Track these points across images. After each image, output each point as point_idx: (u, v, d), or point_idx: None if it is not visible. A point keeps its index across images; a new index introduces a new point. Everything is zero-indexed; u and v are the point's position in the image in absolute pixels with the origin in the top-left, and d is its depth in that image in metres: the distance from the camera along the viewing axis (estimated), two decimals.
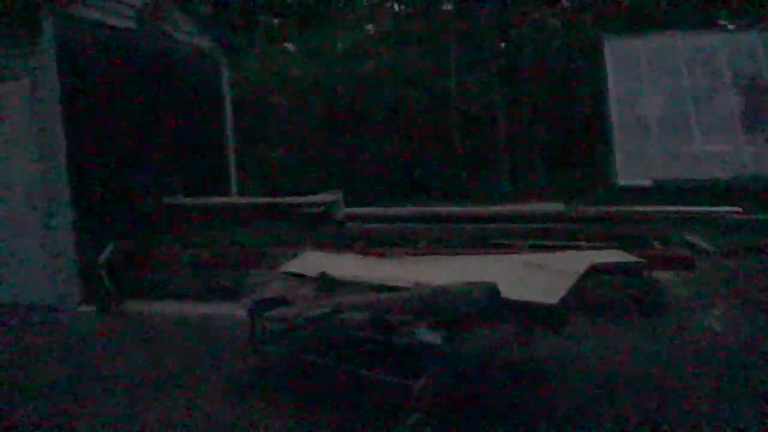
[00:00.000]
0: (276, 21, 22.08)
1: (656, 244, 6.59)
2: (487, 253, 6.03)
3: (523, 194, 14.43)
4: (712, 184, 10.12)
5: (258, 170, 15.57)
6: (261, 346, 4.50)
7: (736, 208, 7.08)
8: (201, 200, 8.22)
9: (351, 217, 7.70)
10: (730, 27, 16.78)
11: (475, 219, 7.42)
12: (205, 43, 9.41)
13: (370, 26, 21.33)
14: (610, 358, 4.80)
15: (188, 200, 8.13)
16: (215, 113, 9.78)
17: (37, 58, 6.70)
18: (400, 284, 4.10)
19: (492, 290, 3.61)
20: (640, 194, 10.34)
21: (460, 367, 4.05)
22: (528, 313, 3.90)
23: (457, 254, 6.32)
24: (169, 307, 6.81)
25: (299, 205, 7.71)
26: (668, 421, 3.72)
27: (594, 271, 4.34)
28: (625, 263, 5.00)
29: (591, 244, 6.40)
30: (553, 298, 3.66)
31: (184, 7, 9.04)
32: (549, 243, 6.65)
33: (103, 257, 7.02)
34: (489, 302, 3.59)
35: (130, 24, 7.95)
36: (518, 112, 17.50)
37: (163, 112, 8.57)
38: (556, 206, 7.70)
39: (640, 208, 7.33)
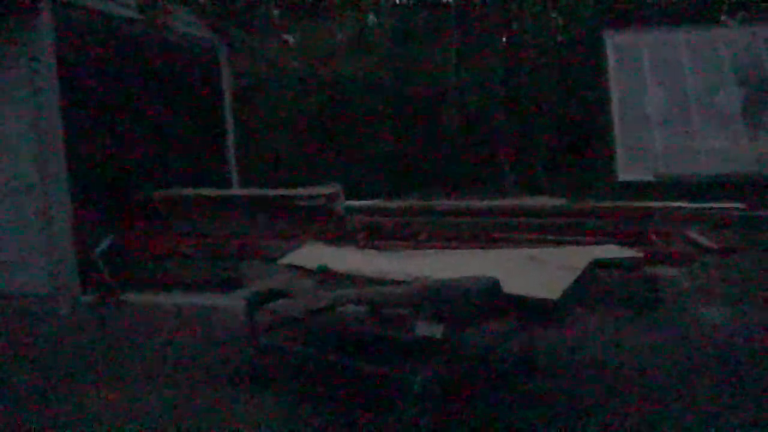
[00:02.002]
0: (276, 12, 21.99)
1: (656, 239, 6.57)
2: (487, 248, 6.00)
3: (523, 189, 14.41)
4: (713, 180, 10.09)
5: (258, 162, 15.52)
6: (259, 338, 4.48)
7: (736, 204, 7.06)
8: (201, 192, 8.19)
9: (351, 210, 7.67)
10: (733, 23, 16.73)
11: (476, 213, 7.41)
12: (204, 33, 9.36)
13: (371, 19, 21.24)
14: (609, 353, 4.79)
15: (188, 191, 8.10)
16: (215, 104, 9.74)
17: (36, 47, 6.65)
18: (399, 278, 4.09)
19: (492, 285, 3.59)
20: (642, 190, 10.32)
21: (459, 361, 4.04)
22: (528, 308, 3.88)
23: (458, 248, 6.30)
24: (167, 299, 6.79)
25: (299, 198, 7.68)
26: (667, 417, 3.71)
27: (594, 266, 4.32)
28: (625, 259, 4.98)
29: (591, 239, 6.39)
30: (553, 293, 3.65)
31: None
32: (549, 238, 6.63)
33: (102, 248, 7.00)
34: (489, 297, 3.57)
35: (130, 13, 7.90)
36: (519, 106, 17.44)
37: (162, 102, 8.52)
38: (556, 201, 7.68)
39: (641, 204, 7.31)
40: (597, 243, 5.82)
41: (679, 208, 7.04)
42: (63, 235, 6.81)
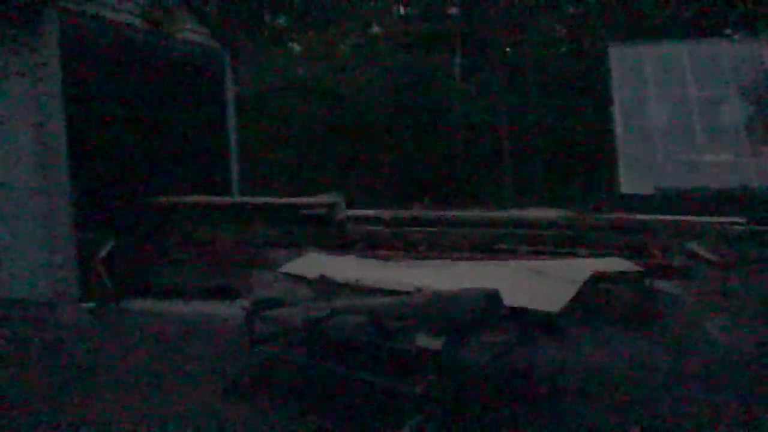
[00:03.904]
0: (281, 21, 22.11)
1: (658, 253, 6.56)
2: (488, 259, 6.00)
3: (525, 200, 14.41)
4: (715, 194, 10.07)
5: (260, 170, 15.56)
6: (259, 346, 4.47)
7: (738, 219, 7.05)
8: (202, 199, 8.20)
9: (352, 220, 7.68)
10: (736, 36, 16.77)
11: (477, 224, 7.41)
12: (209, 42, 9.40)
13: (375, 29, 21.34)
14: (610, 366, 4.77)
15: (189, 199, 8.11)
16: (218, 112, 9.77)
17: (40, 54, 6.67)
18: (400, 288, 4.08)
19: (493, 296, 3.58)
20: (643, 203, 10.30)
21: (459, 371, 4.02)
22: (529, 319, 3.87)
23: (459, 259, 6.30)
24: (167, 306, 6.78)
25: (300, 206, 7.69)
26: (667, 429, 3.69)
27: (596, 278, 4.31)
28: (626, 272, 4.98)
29: (593, 251, 6.38)
30: (555, 306, 3.64)
31: (188, 6, 9.02)
32: (551, 250, 6.63)
33: (102, 254, 6.99)
34: (490, 308, 3.56)
35: (134, 21, 7.94)
36: (522, 117, 17.49)
37: (165, 110, 8.55)
38: (558, 213, 7.68)
39: (643, 217, 7.30)
40: (598, 255, 5.82)
41: (681, 221, 7.03)
42: (64, 242, 6.81)
